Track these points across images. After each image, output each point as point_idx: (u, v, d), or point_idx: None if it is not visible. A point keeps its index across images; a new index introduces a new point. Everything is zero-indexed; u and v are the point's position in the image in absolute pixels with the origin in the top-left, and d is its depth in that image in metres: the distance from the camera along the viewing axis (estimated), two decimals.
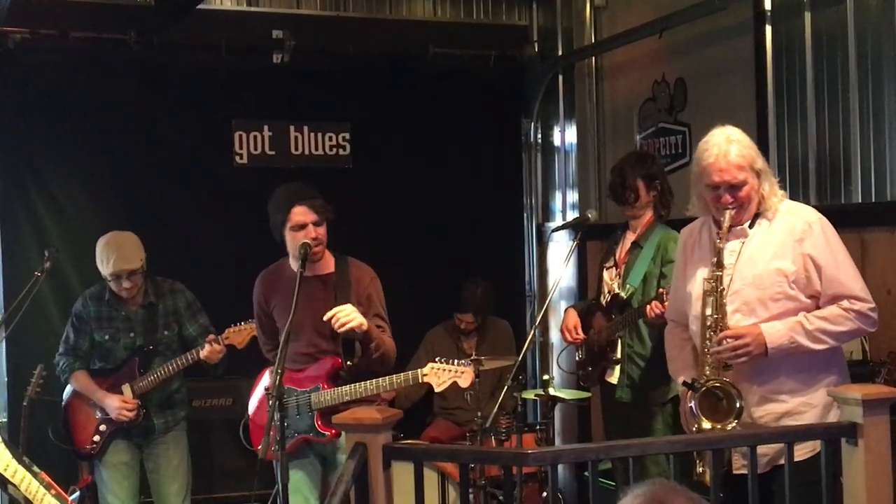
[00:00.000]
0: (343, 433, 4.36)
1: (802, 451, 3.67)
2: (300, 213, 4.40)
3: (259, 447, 4.45)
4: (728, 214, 3.78)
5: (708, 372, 3.82)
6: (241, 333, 5.04)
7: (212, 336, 5.12)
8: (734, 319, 3.77)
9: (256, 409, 4.66)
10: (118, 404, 5.16)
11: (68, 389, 5.37)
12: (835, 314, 3.68)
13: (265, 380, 4.71)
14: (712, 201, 3.82)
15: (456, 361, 4.33)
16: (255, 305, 4.75)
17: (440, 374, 4.29)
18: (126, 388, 5.20)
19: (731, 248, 3.84)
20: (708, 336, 3.80)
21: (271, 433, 3.93)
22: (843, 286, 3.68)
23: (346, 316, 4.29)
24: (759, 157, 3.81)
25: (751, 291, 3.76)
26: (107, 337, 5.26)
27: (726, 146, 3.77)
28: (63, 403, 5.38)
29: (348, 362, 4.43)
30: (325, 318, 4.32)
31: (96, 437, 5.25)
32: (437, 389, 4.35)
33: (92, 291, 5.32)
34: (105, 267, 5.11)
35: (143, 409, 5.23)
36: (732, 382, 3.77)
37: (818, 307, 3.72)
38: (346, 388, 4.38)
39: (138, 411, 5.20)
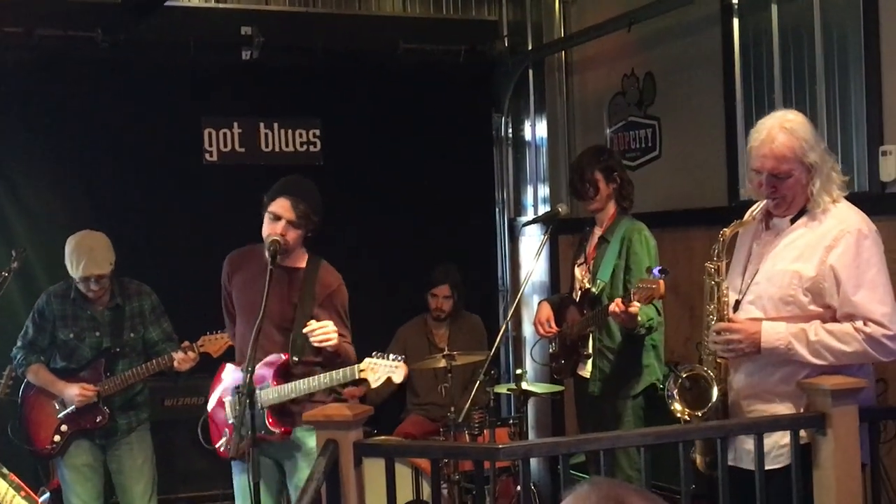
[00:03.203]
0: (294, 431, 4.37)
1: (780, 461, 3.63)
2: (279, 205, 4.35)
3: (217, 444, 4.46)
4: (762, 204, 3.67)
5: (704, 359, 3.81)
6: (216, 342, 4.99)
7: (186, 344, 5.05)
8: (747, 311, 3.69)
9: (215, 405, 4.59)
10: (77, 391, 5.09)
11: (24, 386, 5.30)
12: (843, 331, 3.50)
13: (225, 376, 4.63)
14: (756, 186, 3.67)
15: (391, 356, 4.22)
16: (222, 287, 4.67)
17: (376, 370, 4.19)
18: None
19: (767, 240, 3.74)
20: (706, 324, 3.77)
21: (241, 432, 3.92)
22: (856, 308, 3.48)
23: (325, 334, 4.25)
24: (812, 151, 3.55)
25: (767, 287, 3.65)
26: (71, 335, 5.20)
27: (775, 132, 3.55)
28: (19, 401, 5.31)
29: (295, 358, 4.37)
30: (305, 329, 4.28)
31: (56, 437, 5.18)
32: (372, 385, 4.24)
33: (56, 289, 5.26)
34: (74, 270, 5.06)
35: (108, 410, 5.19)
36: (709, 373, 3.78)
37: (835, 319, 3.55)
38: (289, 385, 4.32)
39: (98, 407, 5.13)
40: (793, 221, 3.67)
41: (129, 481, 5.32)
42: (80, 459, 5.24)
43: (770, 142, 3.56)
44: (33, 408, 5.26)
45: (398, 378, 4.24)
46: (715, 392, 3.74)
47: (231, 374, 4.60)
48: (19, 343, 5.28)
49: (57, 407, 5.20)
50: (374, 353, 4.27)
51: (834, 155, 3.79)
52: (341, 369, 4.28)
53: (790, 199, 3.63)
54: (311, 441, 4.37)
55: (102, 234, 5.21)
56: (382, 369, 4.19)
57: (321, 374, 4.30)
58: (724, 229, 3.75)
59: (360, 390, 6.02)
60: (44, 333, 5.23)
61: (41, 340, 5.24)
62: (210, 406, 4.61)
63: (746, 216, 3.75)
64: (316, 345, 4.28)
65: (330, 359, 4.40)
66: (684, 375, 3.83)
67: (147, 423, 5.41)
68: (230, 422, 4.43)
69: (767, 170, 3.58)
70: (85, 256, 5.05)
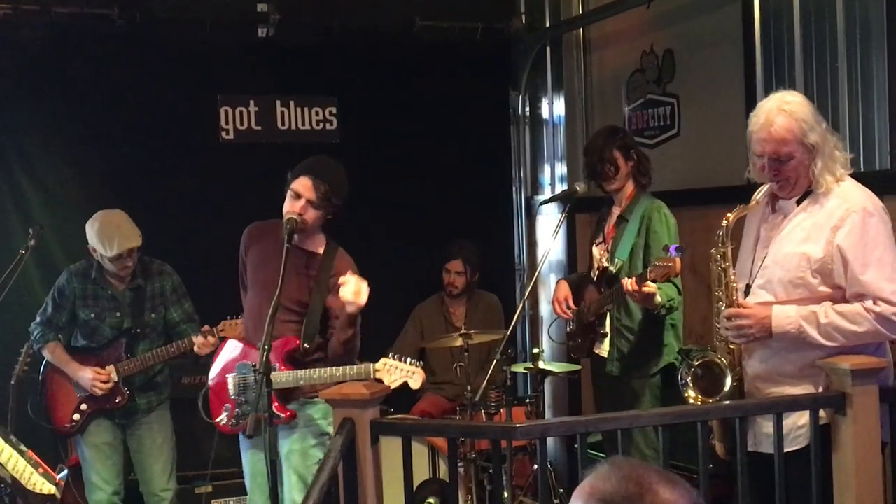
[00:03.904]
0: (299, 416, 4.36)
1: (798, 441, 3.62)
2: (301, 183, 4.32)
3: (217, 419, 4.45)
4: (767, 187, 3.66)
5: (717, 344, 3.82)
6: (237, 327, 4.94)
7: (206, 328, 5.05)
8: (758, 295, 3.69)
9: (217, 380, 4.56)
10: (91, 376, 5.11)
11: (45, 364, 5.30)
12: (854, 312, 3.49)
13: (226, 350, 4.62)
14: (759, 169, 3.65)
15: (409, 360, 4.21)
16: (239, 258, 4.66)
17: (392, 372, 4.17)
18: (111, 369, 5.15)
19: (774, 222, 3.73)
20: (716, 311, 3.77)
21: (256, 409, 3.91)
22: (865, 287, 3.47)
23: (358, 290, 4.12)
24: (812, 132, 3.53)
25: (776, 271, 3.64)
26: (92, 315, 5.21)
27: (773, 115, 3.53)
28: (40, 378, 5.31)
29: (305, 345, 4.34)
30: (340, 279, 4.18)
31: (76, 416, 5.19)
32: (389, 387, 4.18)
33: (78, 268, 5.26)
34: (109, 249, 5.02)
35: (127, 391, 5.20)
36: (722, 360, 3.76)
37: (846, 299, 3.53)
38: (302, 373, 4.30)
39: (117, 387, 5.15)
40: (798, 202, 3.66)
41: (148, 460, 5.34)
42: (101, 438, 5.26)
43: (769, 125, 3.54)
44: (53, 386, 5.27)
45: (415, 385, 4.23)
46: (728, 381, 3.75)
47: (232, 349, 4.58)
48: (38, 319, 5.27)
49: (76, 385, 5.21)
50: (391, 355, 4.26)
51: (837, 133, 3.76)
52: (356, 366, 4.26)
53: (793, 180, 3.61)
54: (314, 413, 4.38)
55: (120, 211, 5.20)
56: (399, 372, 4.17)
57: (335, 368, 4.26)
58: (728, 213, 3.75)
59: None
60: (63, 311, 5.23)
61: (59, 318, 5.24)
62: (211, 380, 4.59)
63: (752, 201, 3.75)
64: (344, 299, 4.14)
65: (343, 329, 4.31)
66: (696, 364, 3.84)
67: (167, 402, 5.43)
68: (232, 398, 4.43)
69: (768, 153, 3.57)
70: (115, 234, 5.04)
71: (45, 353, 5.25)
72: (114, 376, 5.14)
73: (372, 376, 4.19)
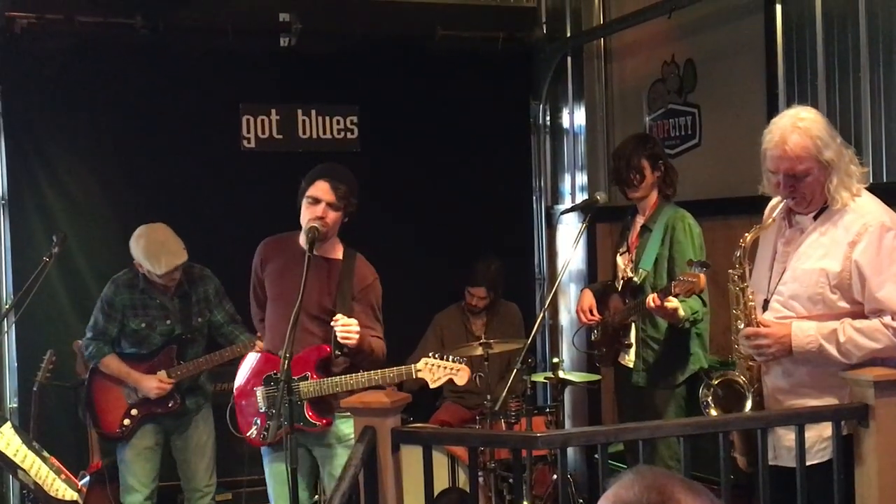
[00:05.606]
0: (334, 423, 4.36)
1: (821, 455, 3.61)
2: (319, 188, 4.36)
3: (247, 433, 4.47)
4: (782, 203, 3.66)
5: (737, 362, 3.82)
6: None
7: (260, 334, 5.09)
8: (777, 311, 3.68)
9: (240, 393, 4.58)
10: (156, 384, 5.18)
11: (91, 370, 5.34)
12: (872, 328, 3.48)
13: (246, 364, 4.63)
14: (773, 186, 3.64)
15: (452, 358, 4.22)
16: (252, 272, 4.68)
17: (434, 371, 4.19)
18: (162, 374, 5.22)
19: (791, 238, 3.71)
20: (734, 329, 3.76)
21: (279, 419, 3.92)
22: (882, 304, 3.46)
23: (347, 330, 4.24)
24: (828, 148, 3.50)
25: (794, 287, 3.63)
26: (143, 325, 5.26)
27: (788, 133, 3.50)
28: (86, 384, 5.35)
29: (336, 352, 4.35)
30: (332, 322, 4.28)
31: (126, 421, 5.26)
32: (431, 386, 4.24)
33: (123, 279, 5.28)
34: (157, 267, 5.07)
35: (179, 395, 5.26)
36: (741, 378, 3.77)
37: (865, 314, 3.52)
38: (336, 379, 4.31)
39: (172, 393, 5.22)
40: (815, 217, 3.64)
41: (194, 458, 5.45)
42: (144, 442, 5.33)
43: (783, 143, 3.52)
44: (101, 392, 5.33)
45: (461, 381, 4.25)
46: (749, 403, 3.75)
47: (254, 363, 4.59)
48: (90, 334, 5.30)
49: (126, 391, 5.27)
50: (432, 354, 4.28)
51: (851, 147, 3.72)
52: (396, 368, 4.28)
53: (809, 197, 3.60)
54: (346, 428, 4.37)
55: (162, 224, 5.25)
56: (441, 370, 4.18)
57: (372, 371, 4.28)
58: (746, 234, 3.73)
59: None
60: (114, 323, 5.27)
61: (112, 329, 5.28)
62: (236, 395, 4.61)
63: (766, 218, 3.76)
64: (339, 339, 4.27)
65: (355, 354, 4.38)
66: (715, 383, 3.85)
67: (210, 401, 5.51)
68: (262, 411, 4.43)
69: (783, 171, 3.55)
70: (162, 251, 5.09)
71: (101, 367, 5.29)
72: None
73: (414, 377, 4.23)
